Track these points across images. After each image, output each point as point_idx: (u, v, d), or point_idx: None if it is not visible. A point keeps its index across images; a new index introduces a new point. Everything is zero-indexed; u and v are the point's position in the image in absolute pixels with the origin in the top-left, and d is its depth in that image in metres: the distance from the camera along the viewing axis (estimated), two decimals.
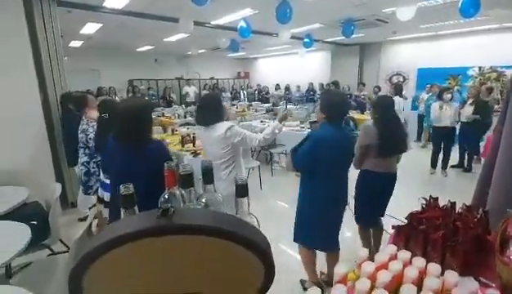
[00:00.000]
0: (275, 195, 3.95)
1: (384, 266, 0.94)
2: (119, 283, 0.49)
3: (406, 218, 1.35)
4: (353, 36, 7.57)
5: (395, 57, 8.87)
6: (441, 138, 4.67)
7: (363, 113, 7.34)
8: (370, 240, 2.38)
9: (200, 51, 10.26)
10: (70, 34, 6.69)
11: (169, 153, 1.67)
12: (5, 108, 2.94)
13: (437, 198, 1.50)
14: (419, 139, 7.09)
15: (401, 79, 8.67)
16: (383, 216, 2.38)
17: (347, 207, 2.06)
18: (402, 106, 5.37)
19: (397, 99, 5.01)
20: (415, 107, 7.73)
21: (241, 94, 11.91)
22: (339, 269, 0.92)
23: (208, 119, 2.05)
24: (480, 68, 7.19)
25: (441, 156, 4.78)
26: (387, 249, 1.05)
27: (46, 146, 3.40)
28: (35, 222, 2.13)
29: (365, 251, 1.02)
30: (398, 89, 5.28)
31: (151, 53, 10.71)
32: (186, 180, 0.59)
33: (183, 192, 0.61)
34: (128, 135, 1.53)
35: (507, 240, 1.07)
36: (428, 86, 6.70)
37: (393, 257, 1.01)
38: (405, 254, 1.01)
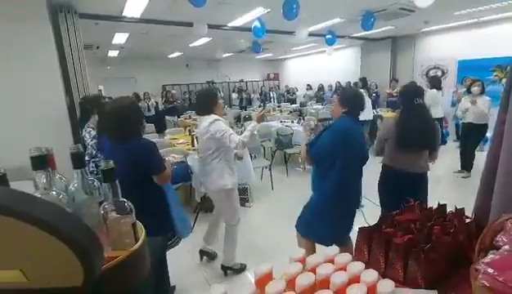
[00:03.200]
0: (286, 195, 3.85)
1: (313, 270, 0.84)
2: None
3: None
4: (383, 29, 7.17)
5: (431, 50, 8.14)
6: (466, 136, 4.24)
7: (394, 112, 6.87)
8: None
9: (226, 55, 10.48)
10: (105, 45, 7.28)
11: (152, 151, 1.69)
12: (34, 110, 3.28)
13: (421, 201, 1.33)
14: (458, 138, 6.41)
15: (440, 73, 7.93)
16: None
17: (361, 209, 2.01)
18: (441, 100, 4.90)
19: (433, 92, 4.61)
20: (455, 103, 7.04)
21: (270, 95, 11.94)
22: (260, 269, 0.83)
23: (200, 110, 2.24)
24: None
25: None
26: (326, 251, 0.94)
27: (69, 145, 3.71)
28: None
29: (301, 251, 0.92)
30: (435, 82, 4.83)
31: (182, 59, 11.19)
32: (35, 162, 0.58)
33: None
34: (113, 132, 1.67)
35: (486, 249, 0.90)
36: (467, 79, 6.07)
37: (330, 260, 0.90)
38: (343, 258, 0.89)
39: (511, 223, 0.91)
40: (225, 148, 2.15)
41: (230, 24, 5.51)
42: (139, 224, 0.69)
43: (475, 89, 4.02)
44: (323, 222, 1.86)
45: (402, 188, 2.00)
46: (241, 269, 2.41)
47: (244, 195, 3.63)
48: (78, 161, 0.63)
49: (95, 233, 0.52)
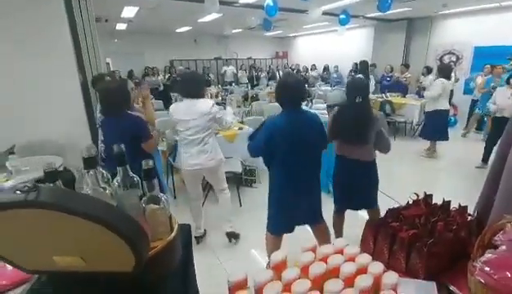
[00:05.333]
0: None
1: (324, 260, 0.93)
2: (9, 239, 0.58)
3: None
4: (399, 10, 6.89)
5: (447, 34, 7.84)
6: (500, 130, 4.07)
7: (404, 97, 6.77)
8: (339, 227, 2.34)
9: (236, 31, 10.22)
10: (114, 18, 7.15)
11: (139, 123, 2.00)
12: (48, 87, 3.33)
13: (430, 196, 1.39)
14: (467, 127, 6.35)
15: (454, 59, 7.71)
16: (356, 207, 2.31)
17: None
18: (449, 90, 4.79)
19: (441, 81, 4.50)
20: (468, 90, 6.89)
21: (277, 74, 11.67)
22: (275, 256, 0.92)
23: (194, 94, 2.30)
24: None
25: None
26: (336, 242, 1.02)
27: (84, 122, 3.80)
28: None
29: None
30: (445, 71, 4.68)
31: (191, 34, 10.97)
32: (87, 163, 0.65)
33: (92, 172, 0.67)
34: (106, 110, 2.02)
35: (485, 247, 0.97)
36: (488, 66, 5.87)
37: (339, 251, 0.98)
38: (352, 250, 0.97)
39: (511, 225, 0.97)
40: (215, 126, 2.45)
41: (242, 1, 5.36)
42: (174, 217, 0.77)
43: None
44: (271, 212, 2.02)
45: (349, 174, 2.15)
46: (238, 234, 2.68)
47: (251, 176, 3.74)
48: (120, 160, 0.70)
49: (143, 228, 0.60)
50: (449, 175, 4.29)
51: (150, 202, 0.73)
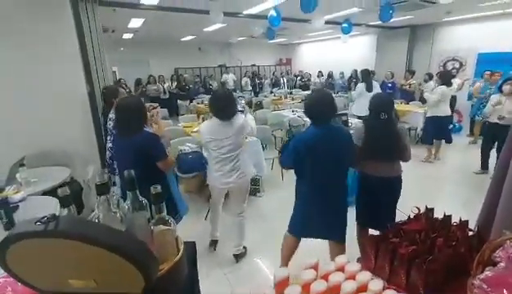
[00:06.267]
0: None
1: (326, 277, 0.95)
2: (29, 262, 0.62)
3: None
4: (402, 18, 6.93)
5: (451, 40, 7.85)
6: (493, 136, 4.09)
7: (408, 104, 6.77)
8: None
9: (240, 39, 10.35)
10: (121, 29, 7.31)
11: (156, 145, 1.93)
12: (58, 98, 3.43)
13: (432, 210, 1.40)
14: (472, 133, 6.32)
15: (458, 65, 7.70)
16: (383, 226, 2.27)
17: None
18: (449, 96, 4.78)
19: (443, 88, 4.51)
20: (471, 97, 6.86)
21: (281, 81, 11.76)
22: (280, 273, 0.95)
23: (231, 114, 2.23)
24: None
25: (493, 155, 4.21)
26: (337, 259, 1.04)
27: (91, 133, 3.88)
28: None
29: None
30: (445, 78, 4.68)
31: (195, 42, 11.13)
32: (100, 189, 0.69)
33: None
34: (122, 128, 1.91)
35: (484, 264, 0.98)
36: (488, 73, 5.86)
37: (340, 268, 1.01)
38: (353, 267, 1.00)
39: (511, 242, 0.98)
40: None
41: (245, 12, 5.46)
42: (180, 238, 0.80)
43: (507, 87, 3.79)
44: (294, 214, 2.05)
45: (376, 192, 2.07)
46: (245, 251, 2.66)
47: (255, 185, 3.76)
48: (131, 184, 0.74)
49: (152, 252, 0.64)
50: (451, 182, 4.27)
51: (158, 224, 0.77)
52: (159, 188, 0.74)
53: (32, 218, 0.56)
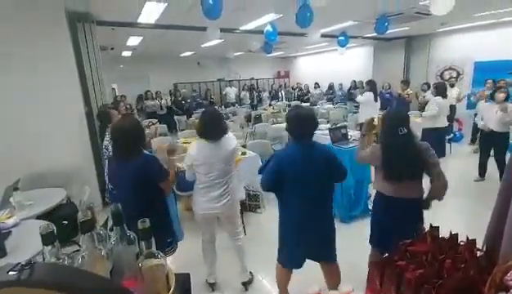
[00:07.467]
0: None
1: None
2: None
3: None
4: (398, 29, 7.02)
5: (447, 50, 7.93)
6: (489, 144, 4.12)
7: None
8: None
9: (238, 54, 10.48)
10: (120, 47, 7.41)
11: (157, 166, 1.83)
12: (56, 119, 3.42)
13: (437, 228, 1.34)
14: (473, 141, 6.28)
15: (455, 74, 7.75)
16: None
17: None
18: (446, 107, 4.79)
19: (438, 100, 4.51)
20: (471, 105, 6.86)
21: (279, 94, 11.83)
22: None
23: (219, 133, 2.06)
24: None
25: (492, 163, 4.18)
26: (342, 287, 0.99)
27: (88, 153, 3.85)
28: (66, 222, 2.45)
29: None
30: (440, 89, 4.68)
31: (194, 57, 11.26)
32: (83, 227, 0.65)
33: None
34: (119, 152, 1.78)
35: (497, 287, 0.92)
36: (490, 81, 5.89)
37: None
38: None
39: None
40: None
41: (242, 28, 5.53)
42: (172, 272, 0.75)
43: (500, 96, 3.79)
44: (281, 246, 1.95)
45: (394, 213, 1.91)
46: (253, 277, 2.50)
47: (255, 201, 3.70)
48: (117, 220, 0.70)
49: None
50: (453, 191, 4.18)
51: (147, 259, 0.72)
52: (147, 222, 0.69)
53: (6, 264, 0.51)
